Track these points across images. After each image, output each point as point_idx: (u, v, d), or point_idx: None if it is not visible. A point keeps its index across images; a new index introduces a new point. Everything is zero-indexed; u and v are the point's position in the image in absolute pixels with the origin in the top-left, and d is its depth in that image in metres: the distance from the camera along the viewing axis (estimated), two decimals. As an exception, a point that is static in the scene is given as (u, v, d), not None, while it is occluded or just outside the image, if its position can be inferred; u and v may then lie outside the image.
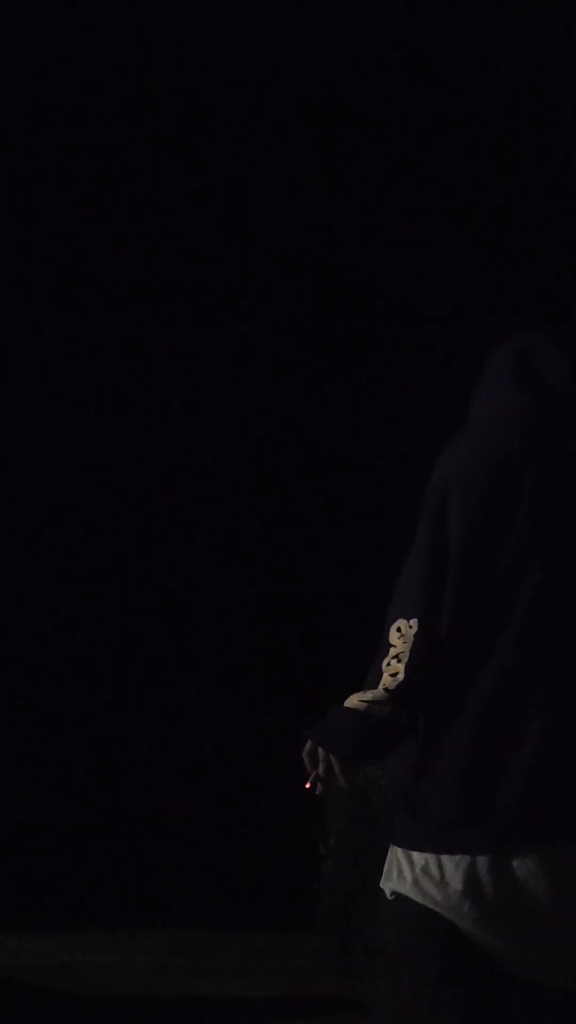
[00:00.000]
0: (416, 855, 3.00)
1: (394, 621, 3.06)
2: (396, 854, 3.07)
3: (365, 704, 3.03)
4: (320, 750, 3.06)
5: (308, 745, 3.09)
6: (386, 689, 3.01)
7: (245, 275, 10.15)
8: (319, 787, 3.10)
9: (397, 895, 3.04)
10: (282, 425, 10.12)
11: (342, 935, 6.68)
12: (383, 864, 3.14)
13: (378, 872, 3.13)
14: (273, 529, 10.11)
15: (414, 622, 3.02)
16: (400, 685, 3.01)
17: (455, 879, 2.92)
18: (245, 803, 9.77)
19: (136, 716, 9.95)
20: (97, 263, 10.07)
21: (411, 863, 3.00)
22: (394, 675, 3.01)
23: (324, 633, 9.94)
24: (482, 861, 2.92)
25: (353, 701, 3.06)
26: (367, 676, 3.10)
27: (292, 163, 10.14)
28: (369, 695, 3.03)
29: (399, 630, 3.03)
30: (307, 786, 3.14)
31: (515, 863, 2.91)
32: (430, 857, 2.97)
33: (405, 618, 3.03)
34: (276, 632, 9.97)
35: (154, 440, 10.15)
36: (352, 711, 3.04)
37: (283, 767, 9.37)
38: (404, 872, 3.01)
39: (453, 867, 2.92)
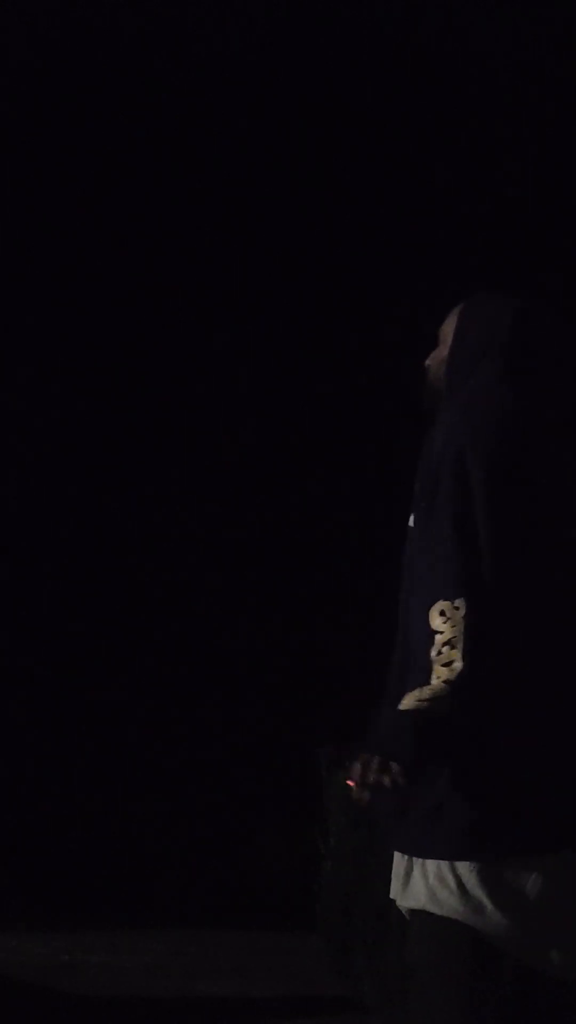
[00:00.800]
0: (430, 863, 2.77)
1: (432, 605, 2.69)
2: (404, 863, 2.84)
3: (425, 703, 2.61)
4: (375, 760, 2.59)
5: (361, 758, 2.62)
6: (446, 682, 2.62)
7: (245, 273, 10.14)
8: (365, 795, 2.62)
9: (413, 911, 2.82)
10: (285, 427, 10.12)
11: (342, 935, 6.68)
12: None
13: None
14: (273, 531, 10.11)
15: (460, 602, 2.65)
16: (461, 674, 2.61)
17: (474, 885, 2.72)
18: (245, 803, 9.77)
19: (136, 716, 9.94)
20: (97, 261, 10.07)
21: (424, 872, 2.78)
22: (449, 664, 2.63)
23: (325, 634, 9.94)
24: (503, 865, 2.72)
25: (409, 702, 2.63)
26: (404, 676, 2.75)
27: (292, 163, 10.13)
28: (427, 692, 2.63)
29: (443, 613, 2.66)
30: (350, 783, 2.66)
31: (539, 866, 2.73)
32: (444, 864, 2.75)
33: (447, 599, 2.66)
34: (277, 633, 9.97)
35: (156, 439, 10.15)
36: (412, 713, 2.61)
37: (283, 768, 9.41)
38: (416, 884, 2.79)
39: (469, 872, 2.72)
